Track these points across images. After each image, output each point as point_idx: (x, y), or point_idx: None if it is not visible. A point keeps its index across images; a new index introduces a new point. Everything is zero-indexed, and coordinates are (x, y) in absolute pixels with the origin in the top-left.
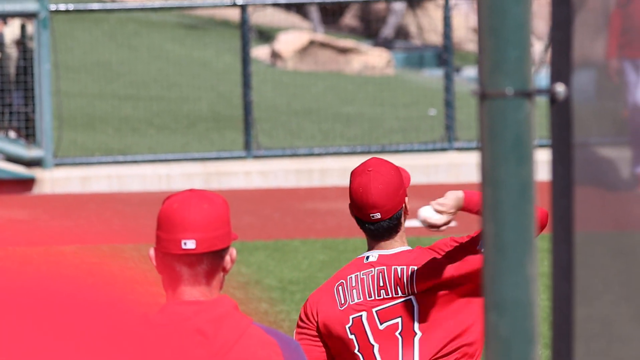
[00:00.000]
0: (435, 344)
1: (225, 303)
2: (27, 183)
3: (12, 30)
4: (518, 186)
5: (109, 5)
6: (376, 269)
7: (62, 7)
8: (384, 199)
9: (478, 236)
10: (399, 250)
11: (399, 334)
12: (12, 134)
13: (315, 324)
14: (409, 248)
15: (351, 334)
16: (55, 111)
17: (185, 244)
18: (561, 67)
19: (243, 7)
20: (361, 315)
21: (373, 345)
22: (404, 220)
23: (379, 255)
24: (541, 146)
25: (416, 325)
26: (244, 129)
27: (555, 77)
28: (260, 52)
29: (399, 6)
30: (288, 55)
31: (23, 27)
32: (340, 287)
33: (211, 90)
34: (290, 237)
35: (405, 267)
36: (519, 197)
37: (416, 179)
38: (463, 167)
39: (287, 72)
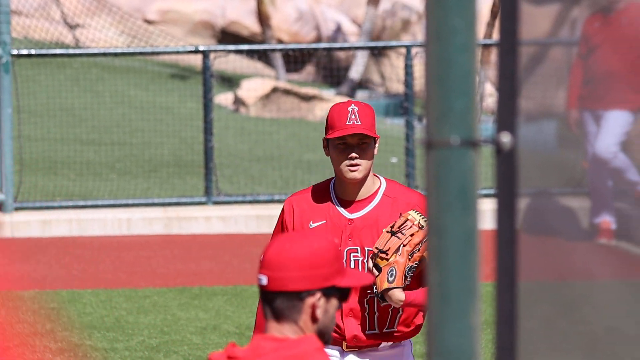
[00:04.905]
0: None
1: (308, 342)
2: None
3: None
4: (463, 235)
5: (71, 50)
6: None
7: (24, 51)
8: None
9: None
10: None
11: None
12: None
13: None
14: None
15: None
16: (17, 155)
17: (260, 279)
18: (507, 117)
19: (205, 54)
20: None
21: None
22: None
23: None
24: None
25: None
26: (205, 175)
27: (501, 126)
28: (224, 98)
29: (362, 55)
30: (251, 101)
31: None
32: None
33: (174, 135)
34: (249, 282)
35: None
36: (463, 245)
37: None
38: None
39: (250, 118)
